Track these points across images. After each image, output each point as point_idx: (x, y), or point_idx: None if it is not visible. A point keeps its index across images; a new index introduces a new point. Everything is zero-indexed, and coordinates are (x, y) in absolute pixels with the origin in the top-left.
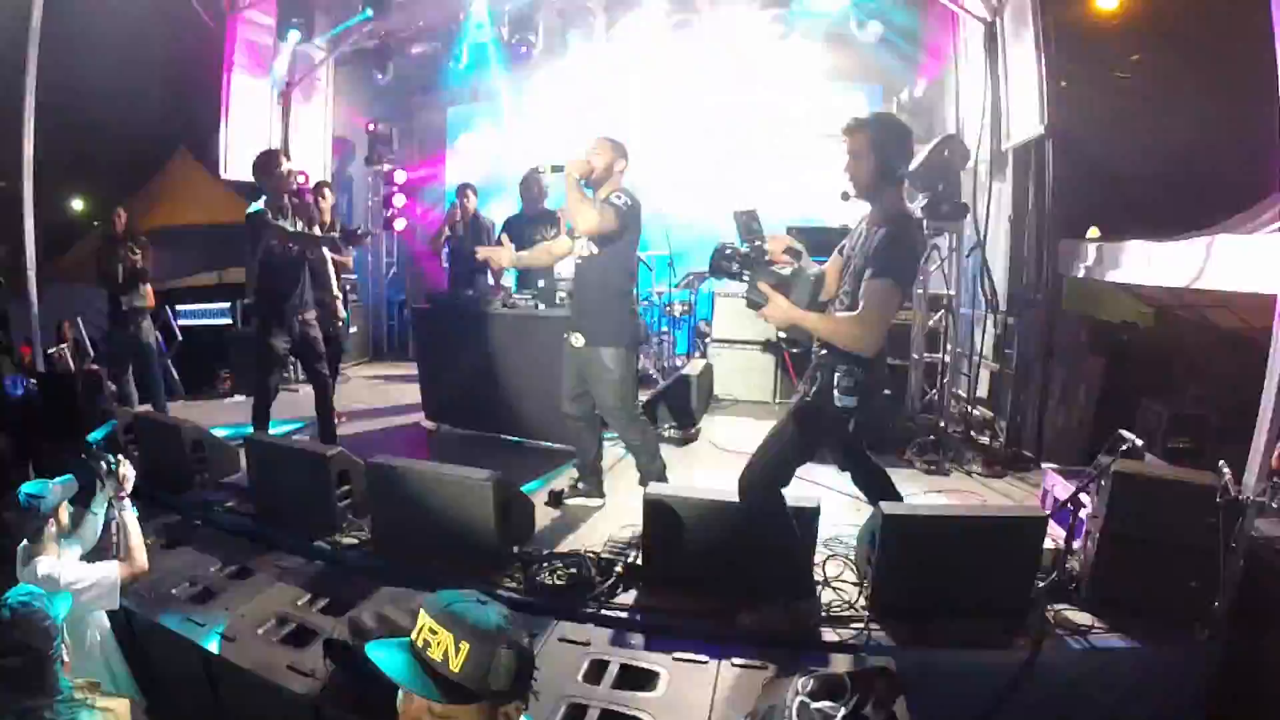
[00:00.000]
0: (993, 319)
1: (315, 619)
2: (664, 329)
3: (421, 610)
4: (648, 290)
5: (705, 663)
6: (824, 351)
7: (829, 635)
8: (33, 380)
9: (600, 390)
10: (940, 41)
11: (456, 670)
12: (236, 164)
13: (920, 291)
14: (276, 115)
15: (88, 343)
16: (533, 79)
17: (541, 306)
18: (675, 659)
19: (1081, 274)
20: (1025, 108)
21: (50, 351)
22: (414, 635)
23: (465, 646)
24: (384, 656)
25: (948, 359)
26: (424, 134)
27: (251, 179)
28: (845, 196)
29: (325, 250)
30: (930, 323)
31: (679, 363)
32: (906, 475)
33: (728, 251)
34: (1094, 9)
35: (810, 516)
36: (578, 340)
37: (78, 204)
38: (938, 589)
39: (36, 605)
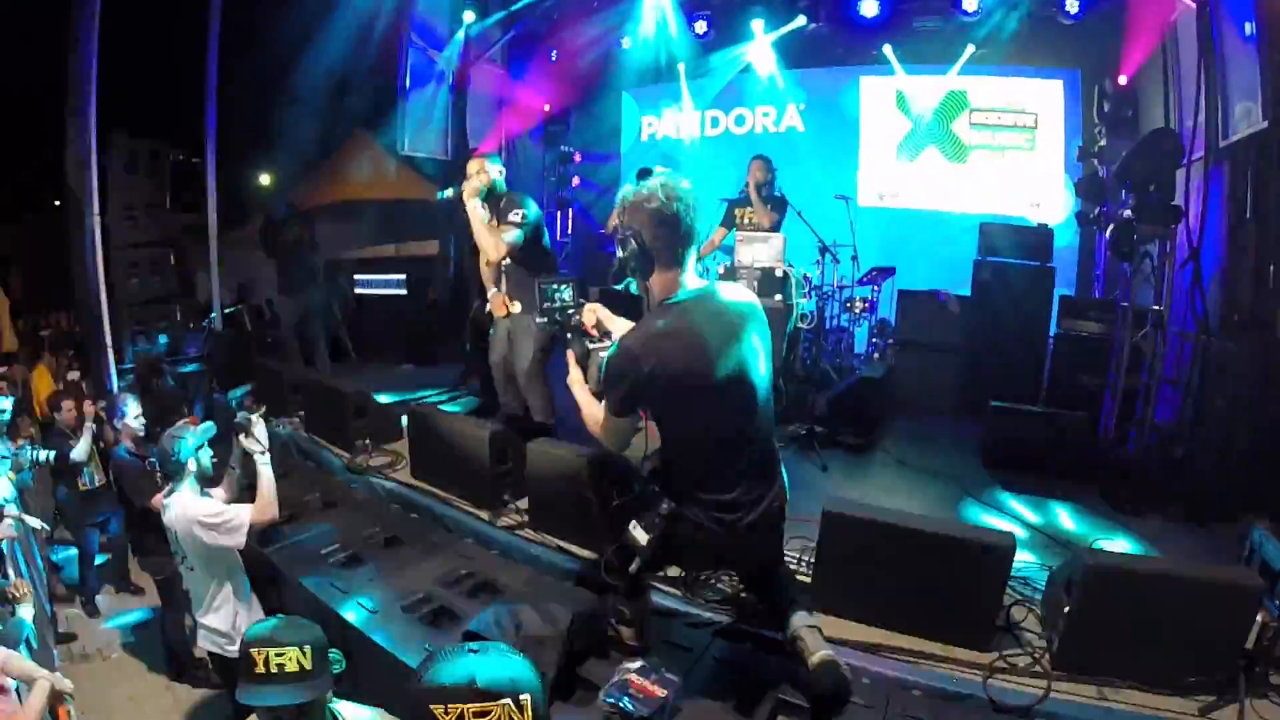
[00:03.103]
0: (1204, 343)
1: (460, 602)
2: (844, 326)
3: (251, 650)
4: (829, 283)
5: None
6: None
7: (1004, 688)
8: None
9: (521, 350)
10: (1148, 23)
11: (312, 668)
12: (413, 141)
13: (1125, 304)
14: (451, 95)
15: (265, 306)
16: (712, 61)
17: None
18: None
19: None
20: (1246, 99)
21: (229, 311)
22: (260, 670)
23: (308, 649)
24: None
25: (1152, 383)
26: (600, 116)
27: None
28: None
29: None
30: (1135, 340)
31: (857, 363)
32: (1093, 513)
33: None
34: None
35: (1004, 552)
36: (515, 307)
37: (264, 179)
38: (1132, 653)
39: None
